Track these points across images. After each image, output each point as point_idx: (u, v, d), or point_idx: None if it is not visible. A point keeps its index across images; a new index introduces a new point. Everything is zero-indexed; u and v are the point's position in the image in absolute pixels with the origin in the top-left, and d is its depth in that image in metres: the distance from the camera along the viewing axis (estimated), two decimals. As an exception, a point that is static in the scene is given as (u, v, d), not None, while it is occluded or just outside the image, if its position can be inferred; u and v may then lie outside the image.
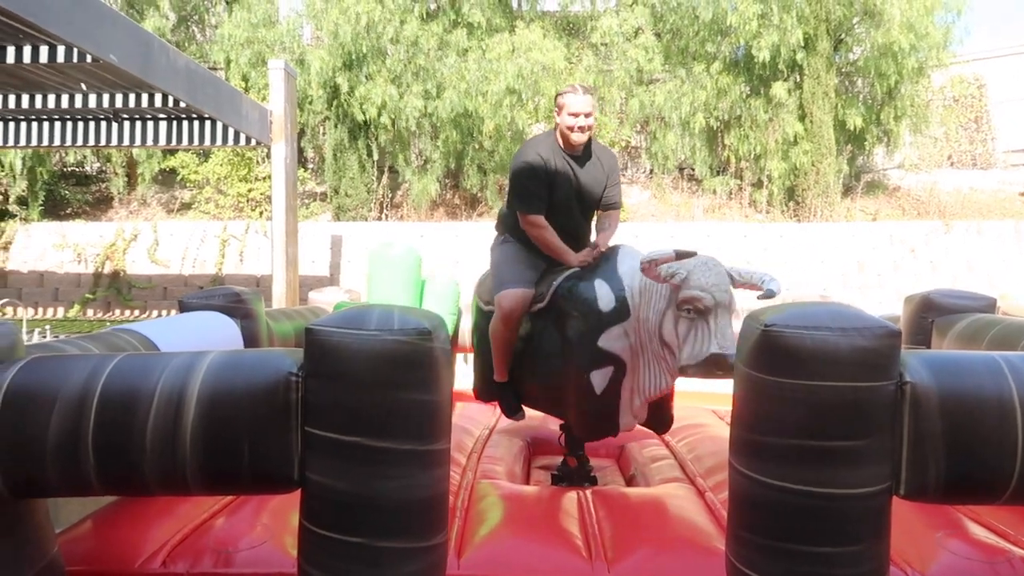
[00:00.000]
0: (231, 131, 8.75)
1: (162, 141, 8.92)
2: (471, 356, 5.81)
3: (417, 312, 1.71)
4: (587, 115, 2.97)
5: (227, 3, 14.62)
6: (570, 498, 2.63)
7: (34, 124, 9.11)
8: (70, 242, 12.83)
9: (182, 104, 7.64)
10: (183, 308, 3.12)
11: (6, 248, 12.85)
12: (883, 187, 14.48)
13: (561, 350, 2.94)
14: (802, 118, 12.94)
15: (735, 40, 13.08)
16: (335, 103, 13.26)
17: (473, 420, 3.99)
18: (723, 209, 13.84)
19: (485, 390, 3.47)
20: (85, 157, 14.82)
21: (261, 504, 2.42)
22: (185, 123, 8.84)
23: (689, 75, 13.35)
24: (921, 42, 12.59)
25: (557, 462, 3.28)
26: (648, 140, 14.29)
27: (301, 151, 13.59)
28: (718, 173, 14.09)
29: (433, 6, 13.78)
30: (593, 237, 3.21)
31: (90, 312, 12.45)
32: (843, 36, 13.47)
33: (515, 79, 12.35)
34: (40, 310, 12.32)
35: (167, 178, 14.38)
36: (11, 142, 9.22)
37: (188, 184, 14.03)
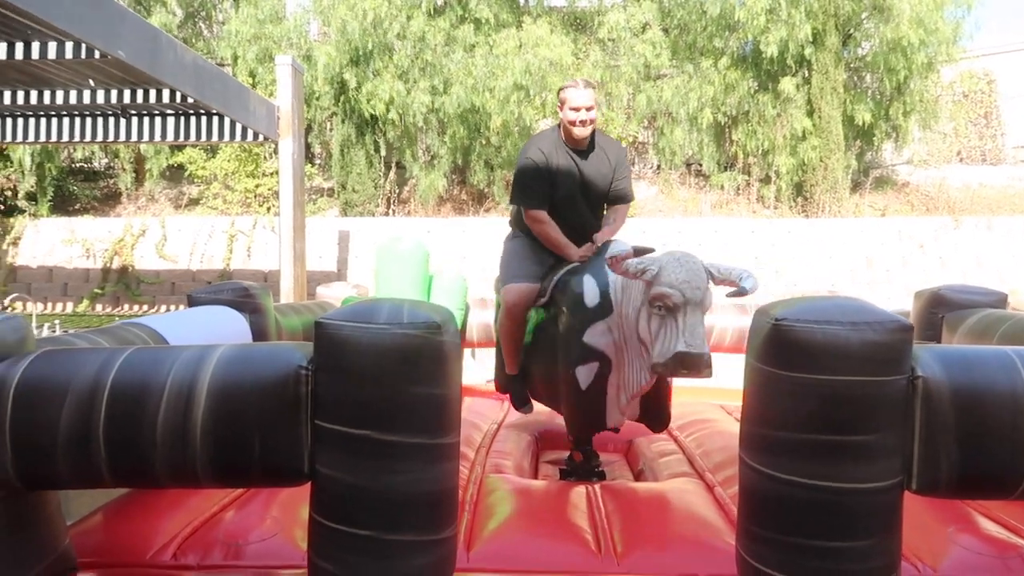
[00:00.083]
0: (239, 127, 8.76)
1: (170, 137, 8.94)
2: (478, 351, 5.86)
3: (426, 306, 1.70)
4: (588, 109, 2.96)
5: (234, -1, 14.66)
6: (579, 492, 2.63)
7: (43, 120, 9.14)
8: (79, 237, 12.89)
9: (190, 100, 7.66)
10: (192, 302, 3.12)
11: (15, 243, 12.92)
12: (892, 183, 14.41)
13: (555, 345, 2.95)
14: (810, 113, 12.89)
15: (743, 35, 13.03)
16: (342, 99, 13.26)
17: (481, 415, 3.99)
18: (731, 205, 13.79)
19: (502, 382, 3.55)
20: (93, 153, 14.87)
21: (271, 497, 2.42)
22: (193, 119, 8.85)
23: (697, 70, 13.31)
24: (930, 37, 12.53)
25: (565, 457, 3.29)
26: (656, 136, 14.25)
27: (308, 147, 13.59)
28: (726, 169, 14.05)
29: (440, 2, 13.76)
30: None
31: (99, 307, 12.52)
32: (852, 31, 13.39)
33: (522, 75, 12.34)
34: (49, 305, 12.39)
35: (175, 174, 14.42)
36: (20, 138, 9.25)
37: (196, 180, 14.07)
